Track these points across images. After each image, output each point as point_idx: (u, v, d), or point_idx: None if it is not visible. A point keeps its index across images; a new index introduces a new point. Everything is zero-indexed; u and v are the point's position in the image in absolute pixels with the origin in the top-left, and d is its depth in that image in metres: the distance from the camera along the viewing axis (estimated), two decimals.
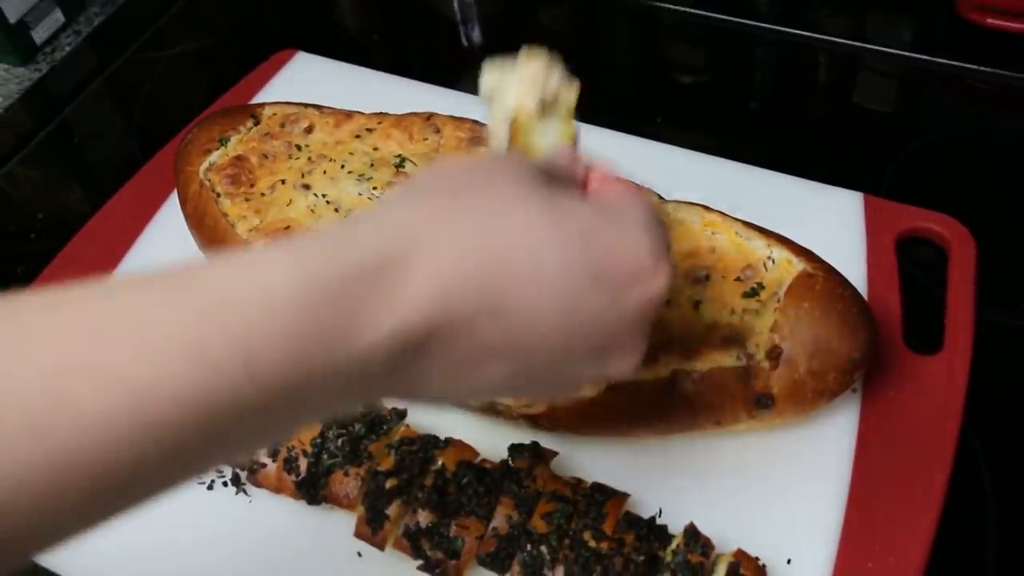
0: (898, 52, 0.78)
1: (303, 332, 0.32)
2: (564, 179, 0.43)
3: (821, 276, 0.52)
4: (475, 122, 0.64)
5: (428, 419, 0.54)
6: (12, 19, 0.88)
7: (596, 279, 0.38)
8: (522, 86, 0.49)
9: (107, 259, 0.68)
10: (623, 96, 0.83)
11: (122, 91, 0.87)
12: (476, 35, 0.90)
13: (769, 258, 0.53)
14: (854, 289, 0.52)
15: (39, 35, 0.92)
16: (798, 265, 0.52)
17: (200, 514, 0.53)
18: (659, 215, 0.42)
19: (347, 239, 0.35)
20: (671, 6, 0.84)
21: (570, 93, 0.50)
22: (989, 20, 0.76)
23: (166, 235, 0.69)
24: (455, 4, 0.90)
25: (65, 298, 0.32)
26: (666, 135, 0.71)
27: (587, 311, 0.38)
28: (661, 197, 0.58)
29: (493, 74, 0.50)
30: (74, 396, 0.30)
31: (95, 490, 0.31)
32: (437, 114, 0.64)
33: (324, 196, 0.60)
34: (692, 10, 0.84)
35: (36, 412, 0.29)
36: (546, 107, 0.50)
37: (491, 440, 0.53)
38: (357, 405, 0.42)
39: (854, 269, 0.58)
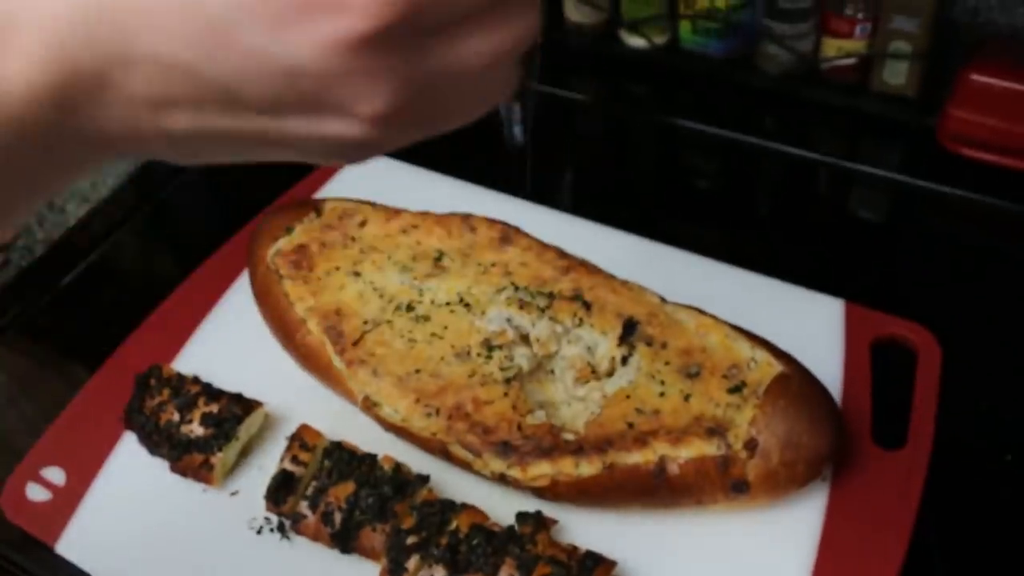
0: (885, 173, 0.79)
1: None
2: None
3: (796, 378, 0.52)
4: (505, 224, 0.65)
5: (448, 486, 0.55)
6: None
7: (244, 9, 0.27)
8: None
9: (190, 321, 0.70)
10: (643, 197, 0.84)
11: (215, 176, 0.89)
12: (517, 137, 0.91)
13: (752, 359, 0.53)
14: (826, 391, 0.53)
15: None
16: (777, 367, 0.52)
17: (249, 556, 0.55)
18: None
19: None
20: (691, 124, 0.86)
21: None
22: (964, 150, 0.76)
23: (241, 304, 0.70)
24: (500, 107, 0.91)
25: None
26: (677, 234, 0.72)
27: (239, 52, 0.28)
28: (663, 298, 0.58)
29: None
30: None
31: None
32: (473, 215, 0.65)
33: (371, 283, 0.61)
34: (708, 128, 0.85)
35: None
36: None
37: (501, 507, 0.53)
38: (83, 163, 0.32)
39: (831, 370, 0.58)
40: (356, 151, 0.32)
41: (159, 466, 0.60)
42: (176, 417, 0.60)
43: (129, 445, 0.62)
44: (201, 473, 0.58)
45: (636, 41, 0.92)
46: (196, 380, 0.62)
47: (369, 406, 0.57)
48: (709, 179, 0.87)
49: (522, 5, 0.30)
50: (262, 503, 0.56)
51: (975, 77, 0.74)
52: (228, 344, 0.68)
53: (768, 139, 0.84)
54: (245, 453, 0.60)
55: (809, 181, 0.82)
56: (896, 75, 0.80)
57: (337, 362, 0.59)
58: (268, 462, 0.59)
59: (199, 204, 0.89)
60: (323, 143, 0.31)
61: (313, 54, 0.27)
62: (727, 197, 0.84)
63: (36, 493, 0.60)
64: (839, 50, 0.81)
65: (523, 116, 0.88)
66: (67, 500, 0.59)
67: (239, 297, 0.70)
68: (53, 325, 0.76)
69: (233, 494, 0.58)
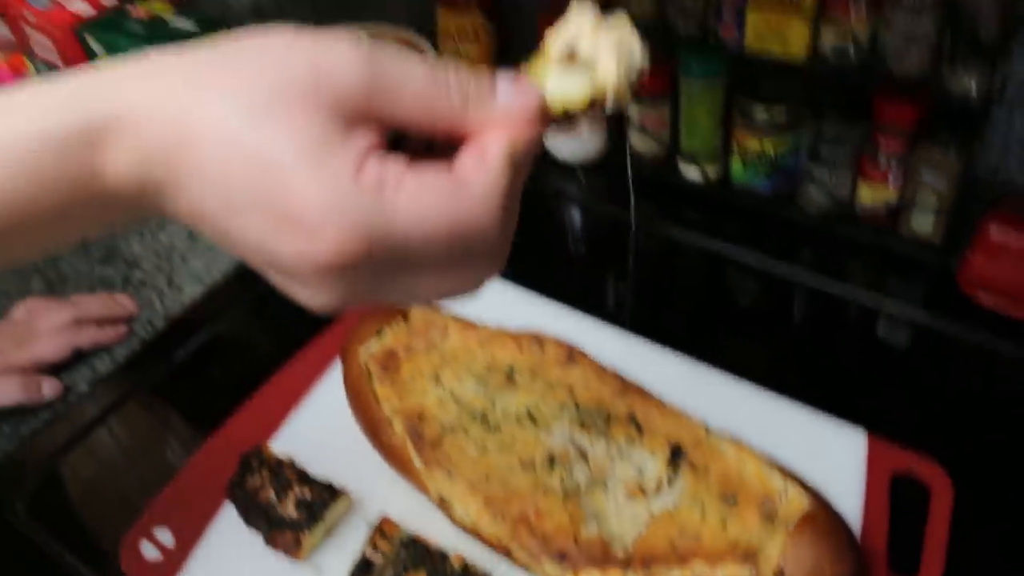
0: (909, 310, 0.80)
1: (52, 166, 0.32)
2: (406, 114, 0.33)
3: (822, 514, 0.56)
4: (571, 345, 0.69)
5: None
6: None
7: (257, 205, 0.31)
8: (599, 39, 0.36)
9: (288, 403, 0.74)
10: (690, 315, 0.87)
11: None
12: (575, 256, 0.95)
13: (784, 492, 0.57)
14: (847, 526, 0.56)
15: None
16: (805, 502, 0.56)
17: None
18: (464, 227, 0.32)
19: (89, 94, 0.33)
20: (737, 251, 0.89)
21: (613, 73, 0.36)
22: (980, 295, 0.78)
23: (332, 392, 0.73)
24: (564, 229, 0.97)
25: None
26: (719, 351, 0.75)
27: (241, 225, 0.32)
28: (707, 427, 0.62)
29: (586, 12, 0.37)
30: None
31: None
32: (544, 335, 0.69)
33: (450, 391, 0.66)
34: (752, 256, 0.88)
35: None
36: (581, 60, 0.36)
37: None
38: (132, 221, 0.37)
39: (854, 499, 0.61)
40: (321, 310, 0.35)
41: (254, 537, 0.64)
42: (273, 497, 0.65)
43: (230, 513, 0.66)
44: (290, 548, 0.62)
45: (692, 173, 0.94)
46: (292, 465, 0.67)
47: (443, 505, 0.62)
48: (750, 303, 0.89)
49: (479, 270, 0.35)
50: None
51: (993, 230, 0.76)
52: (320, 430, 0.72)
53: (805, 271, 0.85)
54: (330, 533, 0.64)
55: (840, 311, 0.84)
56: (923, 223, 0.82)
57: (417, 461, 0.63)
58: (349, 543, 0.63)
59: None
60: (296, 297, 0.35)
61: (289, 255, 0.32)
62: (765, 321, 0.86)
63: (149, 551, 0.64)
64: (873, 196, 0.84)
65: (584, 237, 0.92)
66: (174, 561, 0.63)
67: (331, 386, 0.74)
68: (169, 393, 0.80)
69: (316, 570, 0.62)
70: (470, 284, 0.35)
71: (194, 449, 0.72)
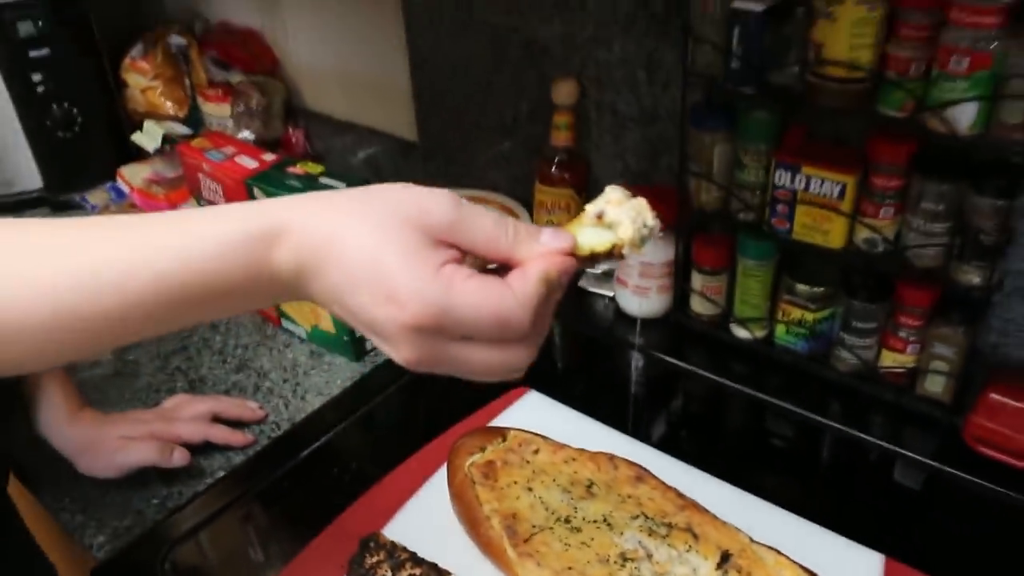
0: (921, 458, 0.87)
1: (246, 260, 0.46)
2: (475, 243, 0.47)
3: None
4: (640, 466, 0.82)
5: None
6: (357, 334, 1.05)
7: (369, 284, 0.45)
8: (622, 210, 0.50)
9: (396, 502, 0.83)
10: (737, 452, 0.97)
11: (411, 391, 1.01)
12: (640, 392, 1.05)
13: None
14: None
15: (369, 344, 1.08)
16: None
17: None
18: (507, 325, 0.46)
19: (271, 215, 0.47)
20: (778, 402, 0.96)
21: (628, 234, 0.50)
22: (983, 449, 0.85)
23: (433, 496, 0.85)
24: (632, 370, 1.08)
25: (130, 221, 0.47)
26: (759, 482, 0.84)
27: (357, 303, 0.46)
28: (751, 538, 0.74)
29: (616, 193, 0.51)
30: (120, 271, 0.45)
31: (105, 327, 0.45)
32: (616, 456, 0.82)
33: (540, 498, 0.78)
34: (787, 405, 0.96)
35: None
36: (607, 221, 0.50)
37: None
38: (289, 299, 0.52)
39: None
40: (411, 368, 0.48)
41: None
42: (388, 574, 0.78)
43: None
44: None
45: (742, 333, 1.03)
46: (405, 548, 0.80)
47: None
48: (786, 445, 0.98)
49: (518, 353, 0.47)
50: None
51: (993, 396, 0.84)
52: (426, 524, 0.83)
53: (835, 421, 0.93)
54: None
55: (864, 457, 0.91)
56: (935, 385, 0.91)
57: (511, 553, 0.75)
58: None
59: (400, 409, 1.02)
60: (390, 356, 0.48)
61: (384, 320, 0.45)
62: (799, 461, 0.94)
63: None
64: (894, 361, 0.92)
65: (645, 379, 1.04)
66: None
67: (433, 490, 0.86)
68: (290, 489, 0.90)
69: None
70: (510, 364, 0.47)
71: (304, 538, 0.81)
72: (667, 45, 1.06)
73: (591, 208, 0.51)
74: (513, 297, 0.45)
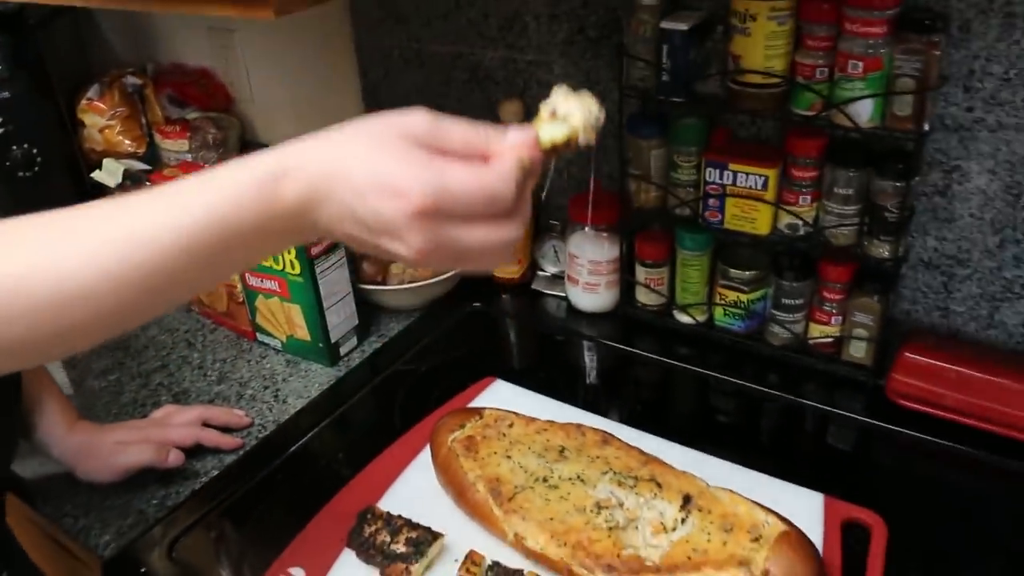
0: (853, 416, 0.97)
1: (259, 198, 0.51)
2: (453, 144, 0.52)
3: (795, 535, 0.74)
4: (605, 431, 0.90)
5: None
6: (332, 340, 1.11)
7: (373, 188, 0.50)
8: (570, 103, 0.56)
9: (383, 483, 0.89)
10: (686, 424, 1.03)
11: (386, 390, 1.07)
12: (599, 380, 1.11)
13: (766, 521, 0.76)
14: (813, 544, 0.75)
15: (343, 349, 1.14)
16: (782, 527, 0.75)
17: None
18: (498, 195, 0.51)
19: (279, 160, 0.52)
20: (720, 376, 1.05)
21: (579, 121, 0.55)
22: (903, 403, 0.95)
23: (417, 475, 0.91)
24: (588, 361, 1.15)
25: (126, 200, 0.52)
26: (709, 448, 0.90)
27: (368, 206, 0.50)
28: (708, 484, 0.82)
29: (562, 90, 0.57)
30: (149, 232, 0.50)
31: (144, 288, 0.50)
32: (584, 424, 0.90)
33: (519, 463, 0.86)
34: (729, 379, 1.04)
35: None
36: (561, 118, 0.56)
37: None
38: (296, 240, 0.56)
39: (816, 537, 0.77)
40: (414, 263, 0.53)
41: (370, 572, 0.78)
42: (387, 539, 0.81)
43: (348, 558, 0.79)
44: None
45: (685, 318, 1.11)
46: (400, 516, 0.85)
47: (518, 540, 0.81)
48: (731, 415, 1.05)
49: (509, 229, 0.52)
50: None
51: (908, 355, 0.94)
52: (415, 497, 0.88)
53: (773, 389, 1.01)
54: (430, 568, 0.78)
55: (800, 420, 0.99)
56: (858, 351, 0.99)
57: (497, 511, 0.82)
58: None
59: (376, 405, 1.08)
60: (396, 255, 0.53)
61: (391, 213, 0.50)
62: (741, 428, 1.01)
63: None
64: (821, 332, 1.01)
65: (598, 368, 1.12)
66: None
67: (418, 469, 0.92)
68: (283, 482, 0.95)
69: None
70: (503, 239, 0.52)
71: (300, 524, 0.84)
72: (603, 64, 1.17)
73: (545, 107, 0.56)
74: (496, 174, 0.51)
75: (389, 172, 0.50)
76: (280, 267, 1.08)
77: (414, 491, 0.91)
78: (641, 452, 0.87)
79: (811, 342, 1.03)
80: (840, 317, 1.00)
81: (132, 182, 1.47)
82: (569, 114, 0.55)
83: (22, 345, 0.49)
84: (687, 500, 0.80)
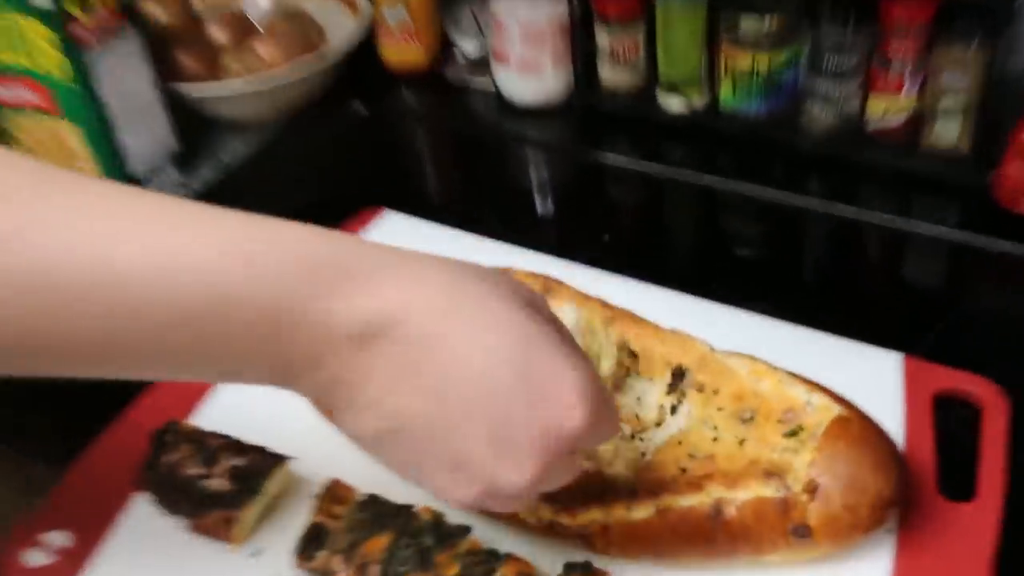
0: (941, 233, 0.87)
1: (295, 284, 0.44)
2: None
3: (856, 420, 0.58)
4: (547, 276, 0.72)
5: (490, 540, 0.61)
6: (134, 175, 1.00)
7: (523, 378, 0.44)
8: None
9: (191, 389, 0.76)
10: (685, 265, 0.92)
11: None
12: (549, 205, 1.01)
13: (808, 403, 0.60)
14: (886, 433, 0.59)
15: (155, 187, 1.01)
16: (835, 409, 0.59)
17: None
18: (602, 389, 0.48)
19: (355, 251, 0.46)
20: (732, 185, 0.95)
21: None
22: (1019, 207, 0.84)
23: None
24: (532, 177, 1.03)
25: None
26: (721, 297, 0.79)
27: (498, 394, 0.45)
28: (712, 347, 0.65)
29: None
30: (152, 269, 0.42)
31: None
32: (513, 268, 0.73)
33: None
34: (745, 190, 0.94)
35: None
36: None
37: (546, 559, 0.59)
38: (308, 379, 0.48)
39: (893, 421, 0.64)
40: (517, 495, 0.47)
41: (175, 527, 0.65)
42: (197, 472, 0.65)
43: (139, 509, 0.67)
44: (222, 531, 0.63)
45: (674, 103, 1.01)
46: (217, 434, 0.67)
47: None
48: (753, 242, 0.96)
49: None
50: (288, 562, 0.61)
51: None
52: (244, 403, 0.73)
53: (814, 200, 0.92)
54: (271, 509, 0.66)
55: (859, 243, 0.91)
56: (948, 132, 0.88)
57: None
58: (293, 522, 0.64)
59: None
60: (479, 478, 0.47)
61: (541, 427, 0.45)
62: (772, 257, 0.92)
63: (36, 558, 0.64)
64: (887, 108, 0.90)
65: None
66: (71, 563, 0.64)
67: None
68: (38, 390, 0.81)
69: (255, 554, 0.63)
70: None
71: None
72: None
73: None
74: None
75: (549, 361, 0.46)
76: (34, 66, 0.94)
77: (245, 394, 0.72)
78: (604, 304, 0.71)
79: (871, 127, 0.92)
80: (917, 82, 0.88)
81: None
82: None
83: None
84: (679, 375, 0.65)
